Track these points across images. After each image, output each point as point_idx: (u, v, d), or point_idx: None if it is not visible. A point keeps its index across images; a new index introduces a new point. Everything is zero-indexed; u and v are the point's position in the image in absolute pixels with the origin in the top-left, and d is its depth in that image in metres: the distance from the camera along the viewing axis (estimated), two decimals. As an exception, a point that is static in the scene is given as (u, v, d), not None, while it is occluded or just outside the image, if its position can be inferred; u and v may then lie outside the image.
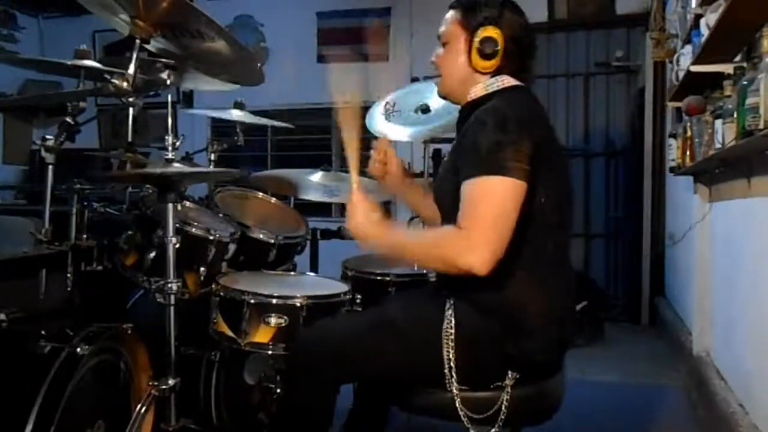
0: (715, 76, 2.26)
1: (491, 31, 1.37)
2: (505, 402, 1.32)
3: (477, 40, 1.38)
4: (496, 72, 1.40)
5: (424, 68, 2.45)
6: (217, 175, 1.99)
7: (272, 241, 2.08)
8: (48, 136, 1.67)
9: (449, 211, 1.33)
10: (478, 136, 1.29)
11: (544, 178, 1.30)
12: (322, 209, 4.85)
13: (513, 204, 1.24)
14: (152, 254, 1.75)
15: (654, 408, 2.71)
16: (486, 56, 1.38)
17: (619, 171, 4.68)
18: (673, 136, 2.89)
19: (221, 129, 4.48)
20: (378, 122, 2.31)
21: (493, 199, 1.23)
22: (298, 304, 1.67)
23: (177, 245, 1.55)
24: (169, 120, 1.58)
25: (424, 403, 1.40)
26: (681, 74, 2.68)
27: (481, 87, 1.42)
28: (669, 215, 4.25)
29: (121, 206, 2.01)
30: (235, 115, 2.28)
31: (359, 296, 1.90)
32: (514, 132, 1.27)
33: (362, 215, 1.36)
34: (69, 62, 1.77)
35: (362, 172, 1.47)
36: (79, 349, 1.40)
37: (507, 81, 1.41)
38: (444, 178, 1.48)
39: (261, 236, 2.08)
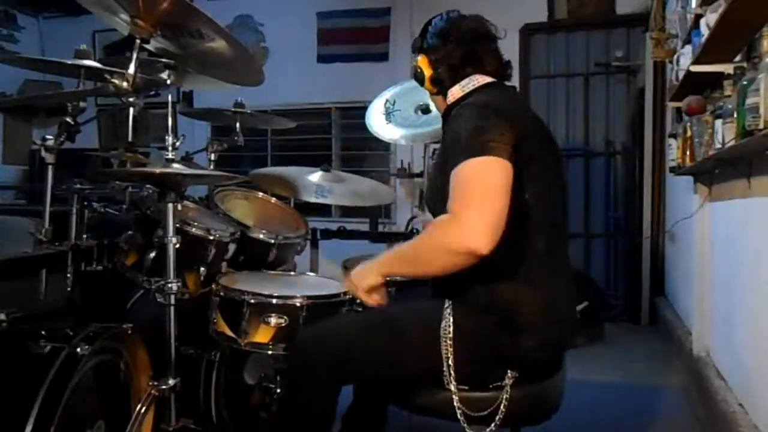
0: (715, 76, 2.26)
1: (417, 60, 1.54)
2: (504, 401, 1.32)
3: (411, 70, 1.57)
4: (453, 81, 1.47)
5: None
6: (217, 178, 1.99)
7: (272, 241, 2.09)
8: (48, 136, 1.67)
9: (440, 210, 1.31)
10: (459, 126, 1.31)
11: (528, 171, 1.29)
12: (322, 209, 4.85)
13: (501, 181, 1.21)
14: (152, 254, 1.76)
15: (654, 408, 2.71)
16: (419, 81, 1.55)
17: (619, 171, 4.68)
18: (673, 136, 2.89)
19: (221, 129, 4.47)
20: (377, 122, 2.30)
21: (480, 178, 1.21)
22: (298, 304, 1.67)
23: (177, 245, 1.55)
24: (169, 120, 1.58)
25: (423, 402, 1.40)
26: (681, 74, 2.68)
27: (458, 89, 1.47)
28: (669, 215, 4.26)
29: (121, 206, 2.00)
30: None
31: (359, 296, 1.90)
32: (493, 117, 1.29)
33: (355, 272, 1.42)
34: (69, 62, 1.77)
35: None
36: (79, 349, 1.40)
37: (481, 79, 1.46)
38: (433, 177, 1.50)
39: (261, 236, 2.08)
